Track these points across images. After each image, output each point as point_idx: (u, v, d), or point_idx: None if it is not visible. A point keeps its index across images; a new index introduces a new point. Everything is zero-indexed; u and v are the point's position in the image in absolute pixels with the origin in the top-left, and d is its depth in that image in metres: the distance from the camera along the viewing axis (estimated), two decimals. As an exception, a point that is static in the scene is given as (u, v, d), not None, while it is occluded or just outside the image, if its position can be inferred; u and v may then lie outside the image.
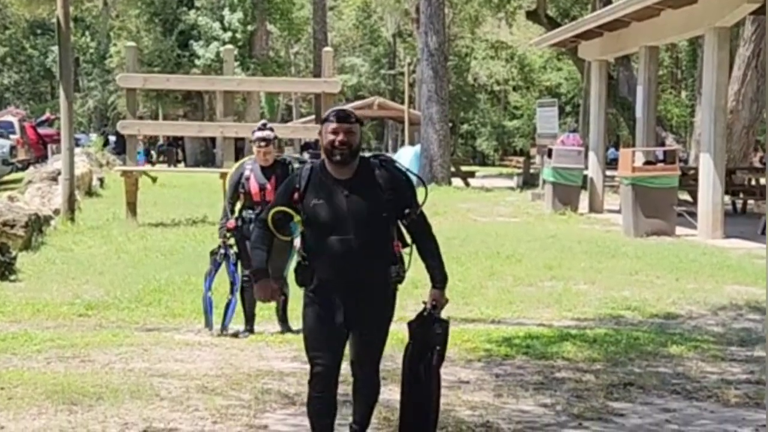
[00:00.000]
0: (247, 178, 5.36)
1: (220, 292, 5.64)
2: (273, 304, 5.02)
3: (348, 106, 20.78)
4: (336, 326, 2.76)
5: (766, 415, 3.55)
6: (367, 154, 3.00)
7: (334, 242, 2.70)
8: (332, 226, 2.70)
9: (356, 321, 2.78)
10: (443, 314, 2.93)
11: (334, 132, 2.70)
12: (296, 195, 2.72)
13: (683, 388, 4.25)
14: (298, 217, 2.72)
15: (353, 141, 2.71)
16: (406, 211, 2.78)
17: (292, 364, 4.69)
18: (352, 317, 2.76)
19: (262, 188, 5.32)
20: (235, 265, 5.47)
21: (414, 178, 2.91)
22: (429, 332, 2.88)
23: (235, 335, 5.41)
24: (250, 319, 5.51)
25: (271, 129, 5.64)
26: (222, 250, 5.41)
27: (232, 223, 5.37)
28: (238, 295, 5.47)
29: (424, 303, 2.94)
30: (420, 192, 2.89)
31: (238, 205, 5.43)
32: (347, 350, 2.85)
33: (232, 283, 5.47)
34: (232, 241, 5.41)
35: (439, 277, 2.91)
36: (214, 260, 5.50)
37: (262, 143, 5.31)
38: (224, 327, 5.41)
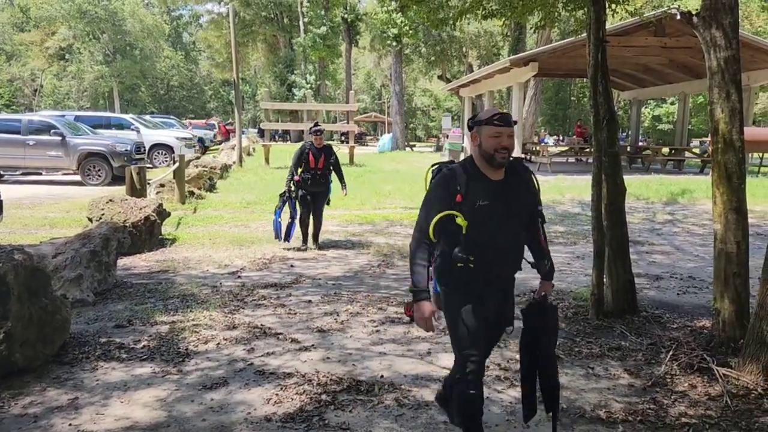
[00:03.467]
0: (308, 154, 7.49)
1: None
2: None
3: (359, 117, 38.24)
4: (490, 323, 2.76)
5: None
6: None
7: (496, 241, 2.64)
8: (495, 225, 2.62)
9: (505, 316, 2.85)
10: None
11: (497, 135, 2.59)
12: (458, 197, 2.59)
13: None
14: (462, 219, 2.58)
15: (513, 145, 2.62)
16: (539, 208, 2.80)
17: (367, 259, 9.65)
18: (501, 313, 2.82)
19: (316, 160, 7.48)
20: (295, 203, 7.56)
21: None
22: (543, 319, 2.85)
23: (300, 249, 7.69)
24: (305, 239, 7.77)
25: (322, 126, 7.91)
26: (287, 194, 7.52)
27: (297, 178, 7.50)
28: (297, 222, 7.62)
29: (533, 293, 3.08)
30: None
31: (300, 170, 7.53)
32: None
33: (292, 215, 7.57)
34: (293, 187, 7.52)
35: (550, 270, 2.95)
36: (282, 199, 7.56)
37: (318, 133, 7.63)
38: (288, 240, 7.65)
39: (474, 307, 2.70)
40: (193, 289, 5.80)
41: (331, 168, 7.71)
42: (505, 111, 2.70)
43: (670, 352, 4.08)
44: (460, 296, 2.73)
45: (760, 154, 18.65)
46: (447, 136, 25.91)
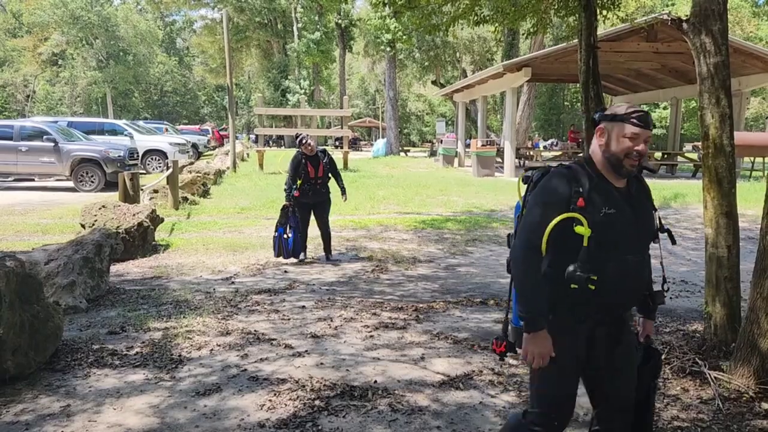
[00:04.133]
0: (306, 164, 7.12)
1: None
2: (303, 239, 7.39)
3: (353, 123, 38.71)
4: (597, 372, 2.24)
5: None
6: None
7: (623, 259, 2.17)
8: (621, 240, 2.16)
9: (621, 356, 2.24)
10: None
11: (633, 137, 2.15)
12: (580, 200, 2.12)
13: (498, 242, 8.90)
14: (584, 228, 2.09)
15: (647, 151, 2.18)
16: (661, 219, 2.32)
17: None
18: (614, 352, 2.23)
19: (315, 168, 7.13)
20: (296, 216, 7.21)
21: None
22: (647, 370, 2.34)
23: (301, 261, 7.35)
24: (304, 249, 7.43)
25: (302, 134, 7.46)
26: (291, 208, 7.19)
27: (297, 192, 7.10)
28: (298, 235, 7.24)
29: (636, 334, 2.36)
30: None
31: (299, 181, 7.11)
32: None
33: (294, 227, 7.20)
34: (293, 201, 7.18)
35: (655, 306, 2.41)
36: (286, 213, 7.19)
37: (311, 141, 7.24)
38: (296, 257, 7.29)
39: (573, 346, 2.21)
40: (187, 295, 5.78)
41: (330, 174, 7.41)
42: (644, 109, 2.21)
43: (662, 356, 4.09)
44: (564, 330, 2.20)
45: (752, 159, 18.78)
46: (441, 141, 26.02)
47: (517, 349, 2.35)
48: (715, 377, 3.67)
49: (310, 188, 7.18)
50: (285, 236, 7.17)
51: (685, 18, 4.38)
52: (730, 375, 3.66)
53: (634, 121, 2.16)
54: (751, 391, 3.50)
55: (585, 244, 2.12)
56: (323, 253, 7.59)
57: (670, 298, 5.89)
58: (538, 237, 2.15)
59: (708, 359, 3.96)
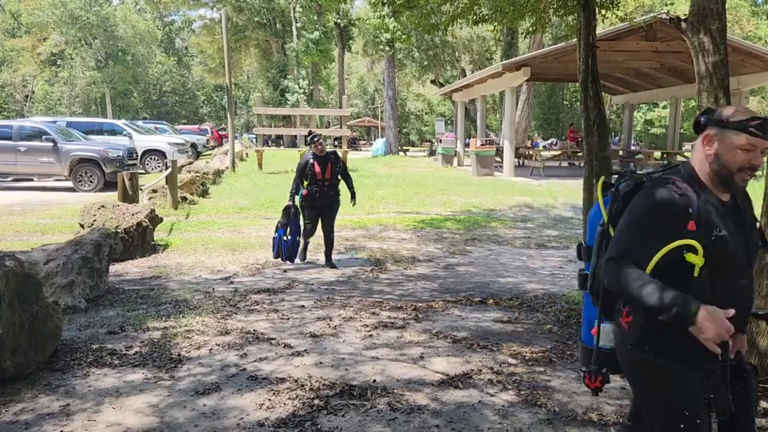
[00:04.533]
0: (312, 165, 6.85)
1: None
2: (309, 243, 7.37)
3: (352, 122, 39.84)
4: (721, 410, 1.87)
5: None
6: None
7: (736, 289, 1.89)
8: (733, 264, 1.88)
9: (744, 396, 1.92)
10: None
11: (749, 149, 1.85)
12: (690, 224, 1.83)
13: (497, 241, 8.92)
14: (698, 257, 1.82)
15: (762, 164, 1.88)
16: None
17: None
18: (740, 391, 1.92)
19: (323, 170, 6.87)
20: (298, 218, 7.03)
21: None
22: (743, 389, 1.95)
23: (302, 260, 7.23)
24: (304, 254, 7.27)
25: (316, 132, 7.30)
26: (293, 209, 6.98)
27: (305, 192, 6.89)
28: (301, 239, 7.14)
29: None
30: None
31: (306, 183, 6.90)
32: None
33: (297, 229, 7.03)
34: (297, 201, 7.01)
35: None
36: (287, 215, 6.97)
37: (317, 140, 6.94)
38: (292, 261, 7.08)
39: (697, 391, 1.89)
40: (186, 295, 5.78)
41: (340, 177, 7.12)
42: (763, 116, 1.90)
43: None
44: (680, 375, 1.89)
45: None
46: (440, 141, 26.05)
47: (606, 373, 2.16)
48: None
49: (318, 190, 6.93)
50: (285, 238, 6.98)
51: (683, 17, 4.39)
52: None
53: (753, 130, 1.85)
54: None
55: (696, 274, 1.85)
56: (322, 256, 7.39)
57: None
58: (640, 259, 1.86)
59: (707, 358, 3.95)
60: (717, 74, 4.14)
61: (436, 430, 3.15)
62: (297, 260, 7.19)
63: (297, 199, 7.04)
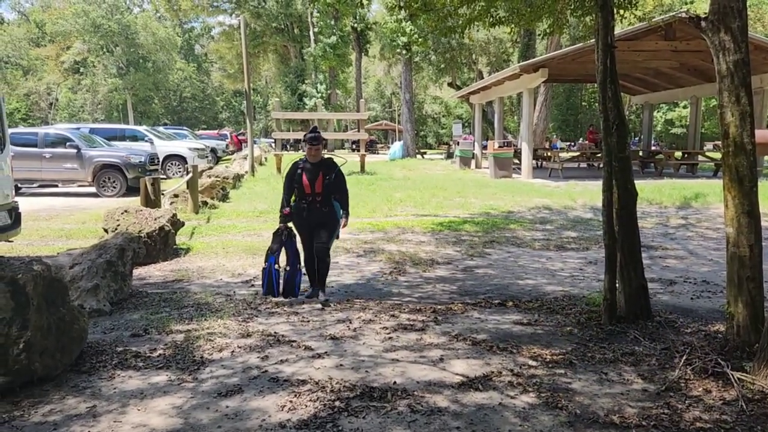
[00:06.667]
0: (300, 175, 5.63)
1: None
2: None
3: (369, 126, 40.41)
4: None
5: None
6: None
7: None
8: None
9: None
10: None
11: None
12: None
13: (516, 243, 8.89)
14: None
15: None
16: None
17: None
18: None
19: (311, 182, 5.57)
20: (294, 242, 5.80)
21: None
22: None
23: (310, 299, 5.75)
24: (313, 280, 5.90)
25: (320, 132, 5.81)
26: (285, 231, 5.78)
27: (287, 210, 5.71)
28: (302, 266, 5.88)
29: None
30: None
31: (293, 197, 5.75)
32: None
33: (296, 256, 5.82)
34: (291, 224, 5.79)
35: None
36: (279, 239, 5.75)
37: (313, 142, 5.63)
38: (295, 296, 5.82)
39: None
40: (207, 298, 5.85)
41: (334, 191, 5.77)
42: None
43: (684, 357, 4.05)
44: None
45: (775, 157, 18.47)
46: (458, 143, 26.05)
47: None
48: (738, 378, 3.63)
49: (306, 206, 5.68)
50: (276, 267, 5.81)
51: (703, 16, 4.35)
52: (753, 376, 3.62)
53: None
54: (775, 391, 3.45)
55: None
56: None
57: (691, 298, 5.84)
58: None
59: (731, 360, 3.91)
60: (738, 73, 4.10)
61: (457, 431, 3.16)
62: (267, 296, 5.88)
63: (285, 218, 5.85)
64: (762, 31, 33.39)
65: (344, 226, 5.90)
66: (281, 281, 5.89)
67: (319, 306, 5.57)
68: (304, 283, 6.09)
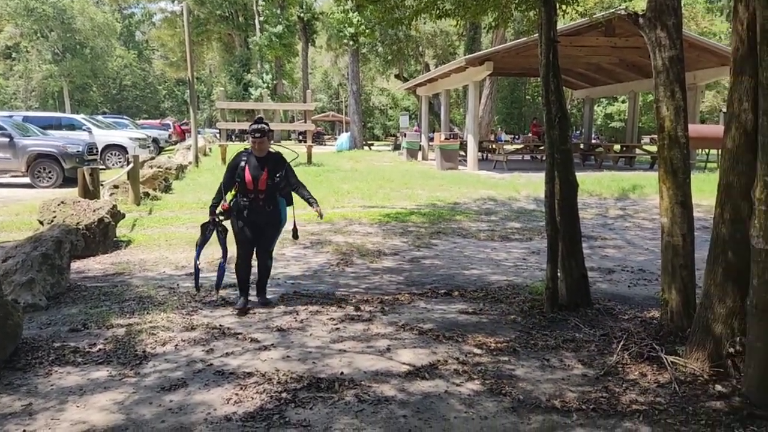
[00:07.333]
0: (243, 168, 5.07)
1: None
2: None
3: (316, 117, 38.84)
4: None
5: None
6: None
7: None
8: None
9: None
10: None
11: None
12: None
13: (462, 234, 9.01)
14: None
15: None
16: None
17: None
18: None
19: (255, 178, 5.03)
20: (225, 237, 5.25)
21: None
22: None
23: (239, 310, 5.11)
24: (244, 292, 5.26)
25: (266, 123, 5.24)
26: (211, 226, 5.19)
27: (225, 205, 5.13)
28: (226, 263, 5.33)
29: None
30: None
31: (232, 191, 5.20)
32: None
33: (223, 251, 5.29)
34: (221, 216, 5.20)
35: None
36: (205, 234, 5.22)
37: (257, 134, 5.06)
38: (219, 285, 5.37)
39: None
40: (150, 291, 5.70)
41: (282, 188, 5.18)
42: None
43: (621, 342, 4.21)
44: None
45: (707, 151, 19.34)
46: (405, 135, 26.14)
47: None
48: (671, 362, 3.80)
49: (248, 204, 5.11)
50: (199, 264, 5.34)
51: (641, 13, 4.50)
52: (685, 359, 3.80)
53: None
54: (706, 374, 3.63)
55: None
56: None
57: (629, 286, 6.06)
58: None
59: (665, 344, 4.09)
60: (673, 69, 4.26)
61: (404, 420, 3.19)
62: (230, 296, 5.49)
63: (219, 213, 5.25)
64: (696, 29, 34.80)
65: (321, 215, 5.35)
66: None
67: (267, 298, 5.50)
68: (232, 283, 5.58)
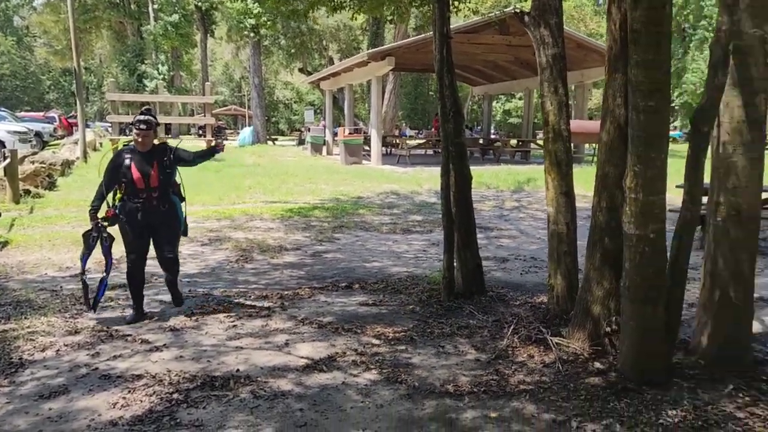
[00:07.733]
0: (128, 167, 4.60)
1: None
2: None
3: (217, 110, 37.96)
4: None
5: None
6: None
7: None
8: None
9: None
10: None
11: None
12: None
13: (364, 227, 9.06)
14: None
15: None
16: None
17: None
18: None
19: (145, 175, 4.61)
20: (110, 246, 4.73)
21: None
22: None
23: (130, 322, 4.66)
24: (138, 303, 4.83)
25: (153, 116, 4.79)
26: (95, 233, 4.68)
27: (111, 212, 4.67)
28: (107, 274, 4.84)
29: None
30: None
31: (119, 193, 4.71)
32: None
33: (107, 263, 4.79)
34: (105, 222, 4.70)
35: None
36: (89, 244, 4.70)
37: (143, 126, 4.60)
38: (96, 301, 4.81)
39: None
40: (29, 295, 5.32)
41: (176, 173, 4.83)
42: None
43: (512, 327, 4.39)
44: None
45: (594, 145, 20.56)
46: (309, 130, 25.93)
47: None
48: (556, 342, 4.01)
49: (141, 206, 4.65)
50: (84, 277, 4.80)
51: (527, 12, 4.70)
52: (568, 340, 4.02)
53: None
54: (586, 352, 3.86)
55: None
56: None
57: (521, 273, 6.33)
58: None
59: (551, 327, 4.31)
60: (556, 66, 4.48)
61: (300, 413, 3.17)
62: (90, 311, 4.81)
63: (102, 219, 4.73)
64: (584, 30, 36.82)
65: (221, 150, 5.00)
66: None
67: (160, 298, 5.28)
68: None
